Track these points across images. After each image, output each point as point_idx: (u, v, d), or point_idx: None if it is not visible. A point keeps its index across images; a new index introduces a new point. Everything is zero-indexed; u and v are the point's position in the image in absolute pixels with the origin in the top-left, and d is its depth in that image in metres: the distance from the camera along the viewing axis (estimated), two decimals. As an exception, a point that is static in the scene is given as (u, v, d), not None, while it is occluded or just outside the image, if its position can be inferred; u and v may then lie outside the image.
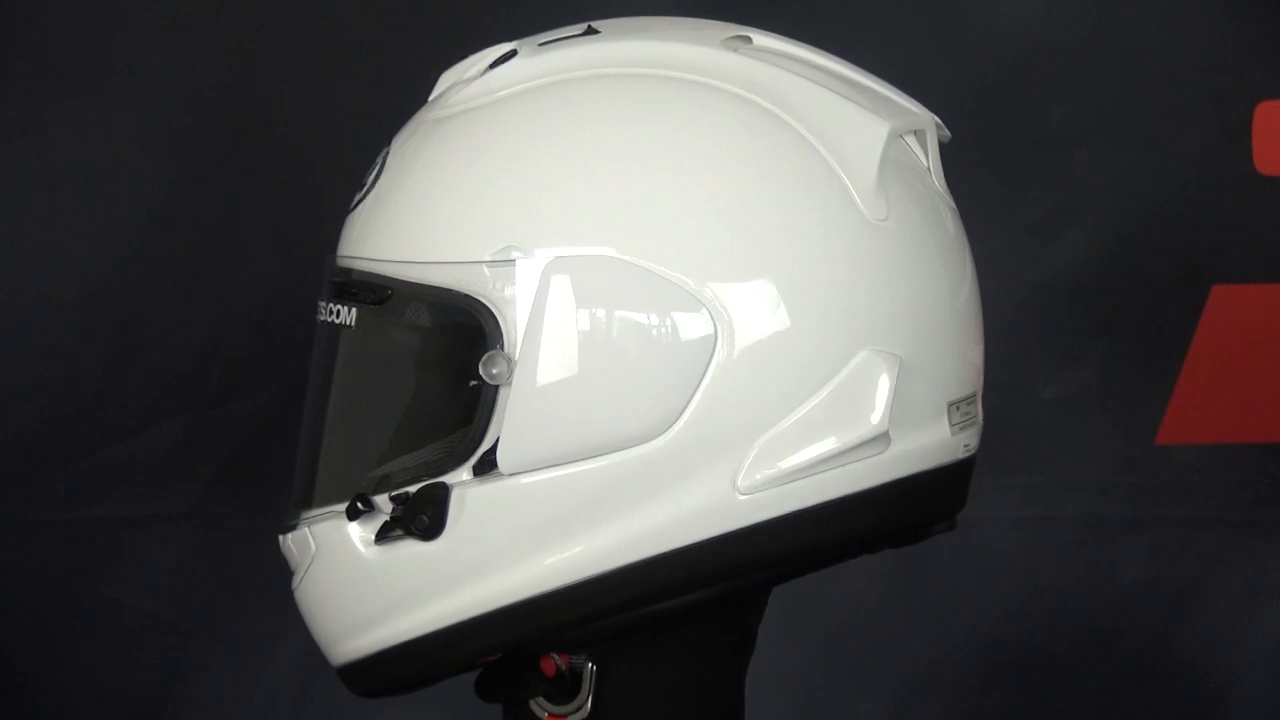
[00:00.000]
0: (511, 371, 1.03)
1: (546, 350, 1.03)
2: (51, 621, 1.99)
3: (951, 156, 1.97)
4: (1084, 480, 2.07)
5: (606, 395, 1.04)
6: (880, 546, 1.15)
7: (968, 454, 1.19)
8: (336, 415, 1.14)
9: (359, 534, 1.09)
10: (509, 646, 1.10)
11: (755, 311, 1.05)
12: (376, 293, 1.08)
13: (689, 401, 1.04)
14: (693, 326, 1.04)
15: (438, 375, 1.09)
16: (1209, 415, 2.05)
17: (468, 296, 1.04)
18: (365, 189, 1.12)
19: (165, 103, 1.89)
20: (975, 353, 1.22)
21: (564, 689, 1.12)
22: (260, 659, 2.03)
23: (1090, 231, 2.00)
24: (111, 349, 1.93)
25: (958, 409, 1.17)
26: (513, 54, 1.11)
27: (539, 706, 1.13)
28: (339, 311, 1.09)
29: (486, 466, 1.05)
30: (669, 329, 1.04)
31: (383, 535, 1.07)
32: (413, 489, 1.06)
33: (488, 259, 1.05)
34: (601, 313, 1.04)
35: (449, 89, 1.13)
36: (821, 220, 1.08)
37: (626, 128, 1.07)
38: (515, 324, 1.04)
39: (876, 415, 1.07)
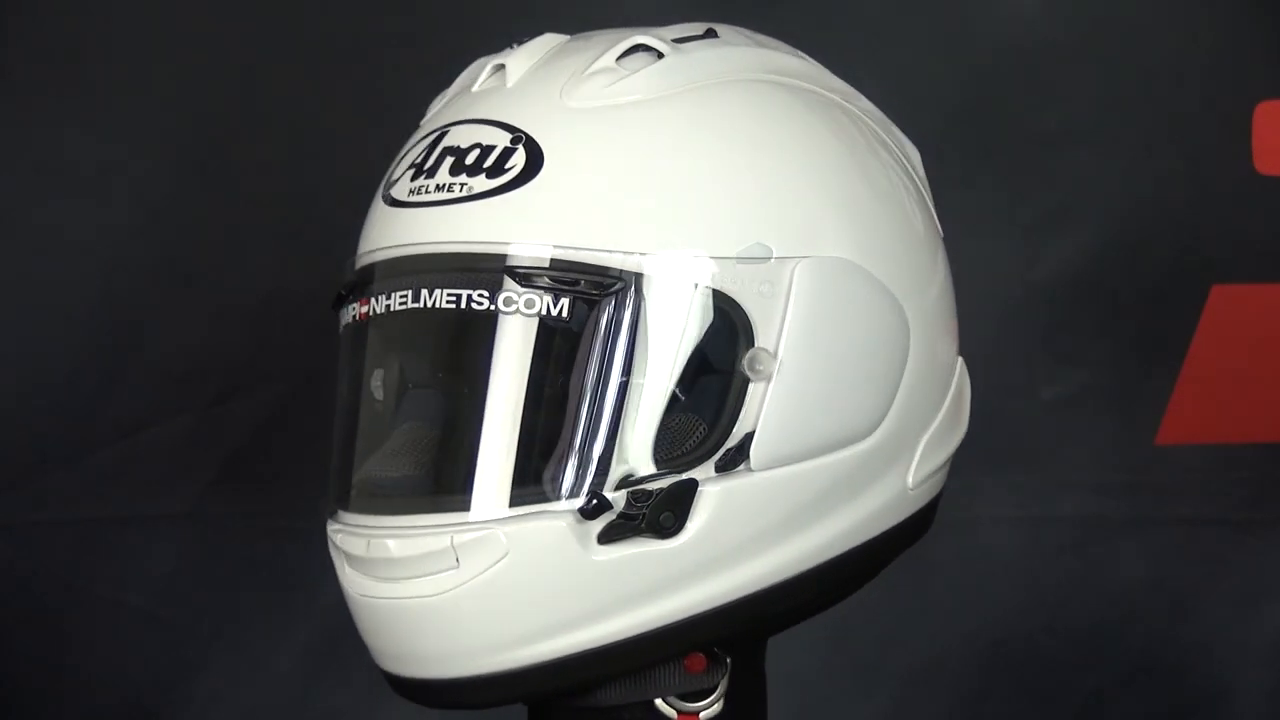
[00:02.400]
0: (774, 369, 1.04)
1: (804, 349, 1.05)
2: (51, 621, 1.99)
3: (952, 156, 1.97)
4: (1084, 480, 2.07)
5: (844, 394, 1.08)
6: None
7: None
8: (543, 411, 1.05)
9: (583, 533, 1.03)
10: (711, 644, 1.10)
11: (927, 317, 1.13)
12: (603, 283, 1.03)
13: (893, 401, 1.10)
14: (898, 330, 1.10)
15: (684, 369, 1.05)
16: (1209, 415, 2.05)
17: (719, 292, 1.04)
18: (504, 175, 1.04)
19: (165, 103, 1.89)
20: None
21: (698, 685, 1.11)
22: (260, 659, 2.03)
23: (1090, 231, 2.00)
24: (111, 349, 1.93)
25: None
26: (639, 48, 1.09)
27: (670, 705, 1.11)
28: (533, 301, 1.03)
29: (731, 462, 1.05)
30: (886, 332, 1.10)
31: (614, 534, 1.03)
32: (653, 486, 1.04)
33: (737, 255, 1.05)
34: (843, 314, 1.08)
35: (572, 77, 1.08)
36: (936, 236, 1.18)
37: (829, 138, 1.12)
38: (769, 321, 1.05)
39: (967, 417, 1.19)
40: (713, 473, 1.04)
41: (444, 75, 1.19)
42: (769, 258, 1.05)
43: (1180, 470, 2.05)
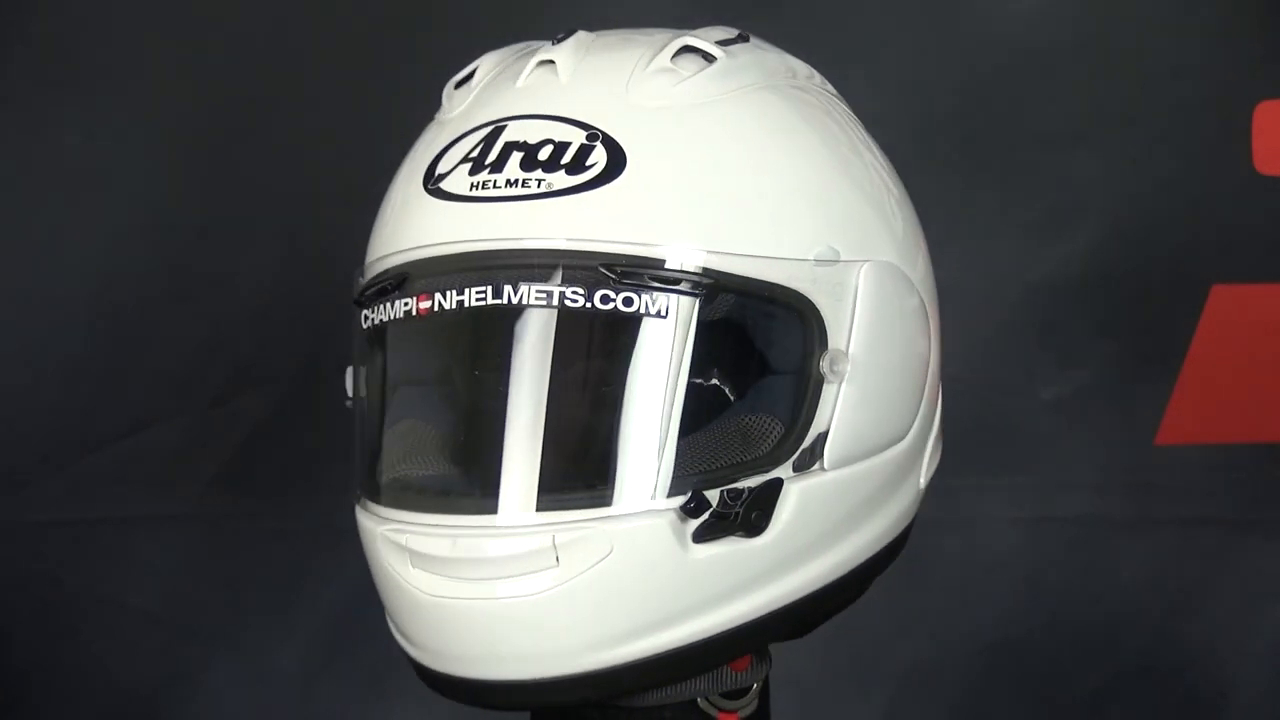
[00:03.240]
0: (847, 370, 1.06)
1: (868, 350, 1.07)
2: (51, 621, 1.99)
3: (952, 156, 1.97)
4: (1084, 480, 2.07)
5: (897, 394, 1.11)
6: None
7: None
8: (640, 409, 1.05)
9: (681, 531, 1.04)
10: (781, 639, 1.12)
11: (936, 320, 1.17)
12: (703, 283, 1.03)
13: (920, 404, 1.14)
14: (926, 332, 1.14)
15: (762, 370, 1.07)
16: (1209, 415, 2.05)
17: (799, 294, 1.05)
18: (585, 172, 1.03)
19: (165, 103, 1.89)
20: None
21: (737, 684, 1.13)
22: (260, 659, 2.03)
23: (1090, 232, 2.00)
24: (111, 349, 1.93)
25: None
26: (685, 49, 1.10)
27: (711, 705, 1.12)
28: (631, 299, 1.02)
29: (806, 462, 1.06)
30: (921, 334, 1.14)
31: (709, 532, 1.04)
32: (743, 485, 1.04)
33: (814, 258, 1.06)
34: (896, 316, 1.11)
35: (634, 76, 1.08)
36: (921, 234, 1.21)
37: (856, 144, 1.15)
38: (839, 323, 1.06)
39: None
40: (790, 472, 1.06)
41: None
42: (838, 260, 1.07)
43: (1180, 470, 2.06)
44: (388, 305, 1.07)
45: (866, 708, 2.11)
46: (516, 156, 1.05)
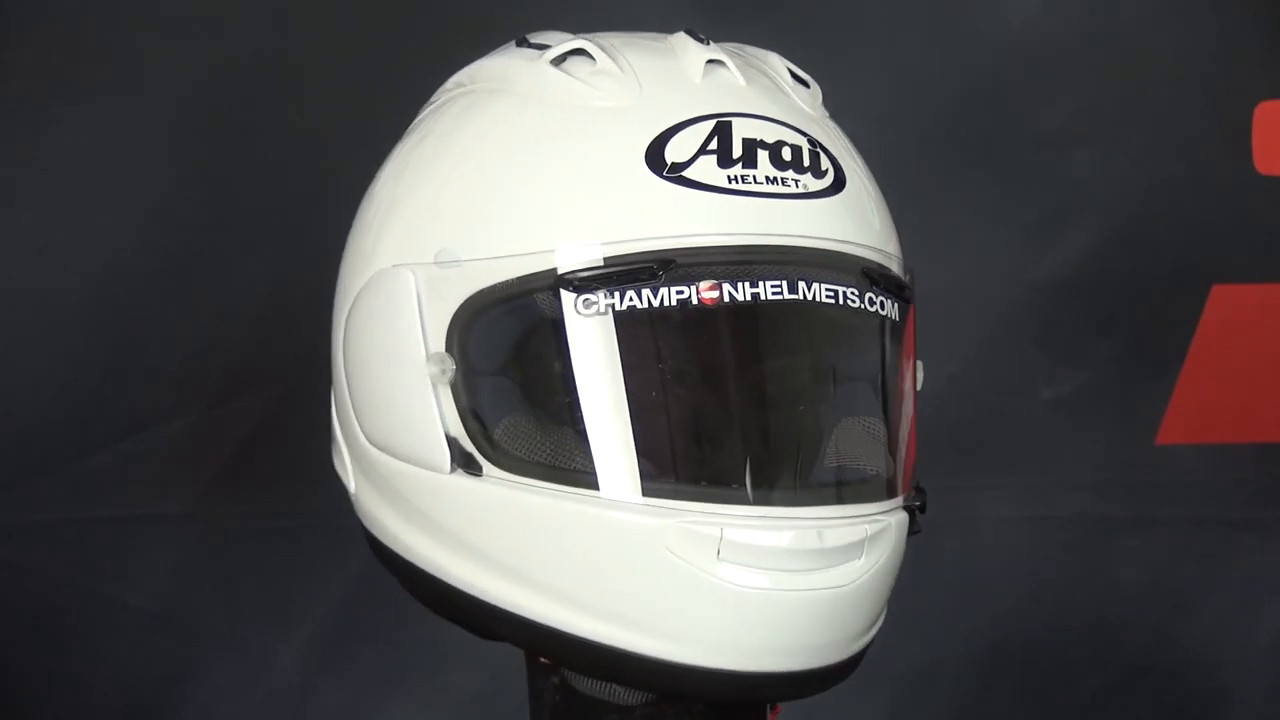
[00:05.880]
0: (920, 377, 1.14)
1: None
2: (51, 621, 1.98)
3: (952, 156, 1.97)
4: (1084, 480, 2.07)
5: None
6: None
7: None
8: (905, 406, 1.11)
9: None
10: None
11: None
12: (909, 290, 1.11)
13: None
14: None
15: (891, 377, 1.11)
16: (1209, 415, 2.05)
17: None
18: (824, 177, 1.05)
19: (165, 103, 1.89)
20: None
21: None
22: (260, 659, 2.03)
23: (1090, 231, 2.00)
24: (111, 349, 1.92)
25: None
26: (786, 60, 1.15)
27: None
28: (885, 303, 1.06)
29: None
30: None
31: (912, 525, 1.11)
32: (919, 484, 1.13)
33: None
34: None
35: (784, 87, 1.11)
36: None
37: None
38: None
39: None
40: None
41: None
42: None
43: (1180, 470, 2.06)
44: (643, 291, 1.02)
45: (867, 708, 2.10)
46: (763, 154, 1.04)
